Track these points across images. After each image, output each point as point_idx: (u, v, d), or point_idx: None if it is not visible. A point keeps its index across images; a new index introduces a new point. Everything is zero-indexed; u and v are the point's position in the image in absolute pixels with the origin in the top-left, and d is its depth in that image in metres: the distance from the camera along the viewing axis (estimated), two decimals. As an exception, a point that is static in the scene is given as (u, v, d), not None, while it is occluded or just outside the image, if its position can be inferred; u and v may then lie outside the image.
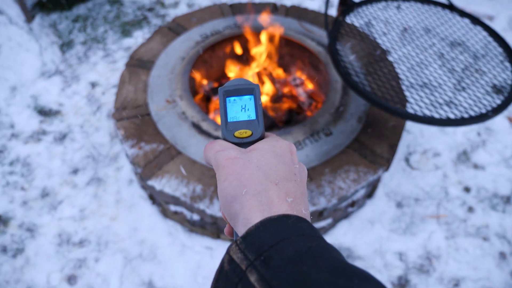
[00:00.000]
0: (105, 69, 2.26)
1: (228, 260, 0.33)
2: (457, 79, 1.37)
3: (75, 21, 2.51)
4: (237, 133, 0.44)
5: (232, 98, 0.46)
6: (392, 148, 1.49)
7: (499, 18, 2.63)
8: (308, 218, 0.37)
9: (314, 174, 1.40)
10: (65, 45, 2.37)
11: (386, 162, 1.45)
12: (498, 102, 1.25)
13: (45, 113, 2.03)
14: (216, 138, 1.47)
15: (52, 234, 1.63)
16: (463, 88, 1.33)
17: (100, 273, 1.53)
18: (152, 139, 1.48)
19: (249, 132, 0.44)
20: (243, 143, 0.44)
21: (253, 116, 0.45)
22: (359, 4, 1.55)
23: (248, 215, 0.35)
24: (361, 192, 1.47)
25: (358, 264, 1.58)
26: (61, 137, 1.94)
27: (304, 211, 0.37)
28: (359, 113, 1.58)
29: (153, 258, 1.57)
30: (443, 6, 1.56)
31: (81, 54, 2.34)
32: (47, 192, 1.75)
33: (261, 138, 0.45)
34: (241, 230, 0.35)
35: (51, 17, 2.51)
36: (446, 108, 1.25)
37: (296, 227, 0.33)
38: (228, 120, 0.45)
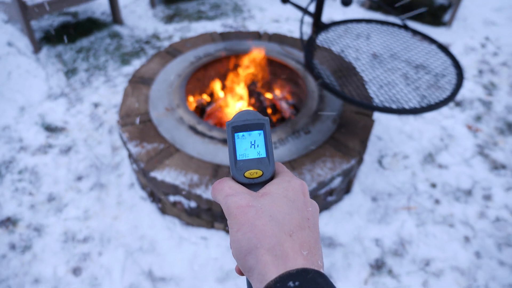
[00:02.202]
0: (106, 92, 2.49)
1: None
2: (411, 80, 1.64)
3: (79, 52, 2.78)
4: (247, 174, 0.42)
5: (240, 134, 0.44)
6: (363, 143, 1.72)
7: (456, 45, 3.00)
8: (323, 269, 0.37)
9: (296, 164, 1.62)
10: (70, 72, 2.61)
11: (358, 154, 1.67)
12: (445, 96, 1.51)
13: (51, 129, 2.22)
14: (211, 138, 1.68)
15: (58, 232, 1.76)
16: (417, 89, 1.60)
17: (104, 265, 1.66)
18: (153, 139, 1.69)
19: (259, 172, 0.42)
20: (254, 184, 0.43)
21: (263, 154, 0.43)
22: (329, 26, 1.85)
23: (263, 271, 0.35)
24: (338, 180, 1.67)
25: (339, 250, 1.75)
26: (66, 150, 2.12)
27: (319, 262, 0.37)
28: (334, 116, 1.82)
29: (153, 251, 1.71)
30: (399, 26, 1.88)
31: (84, 79, 2.57)
32: (54, 197, 1.90)
33: (272, 177, 0.44)
34: (256, 285, 0.35)
35: (57, 48, 2.77)
36: (402, 101, 1.51)
37: (315, 283, 0.33)
38: (237, 158, 0.43)
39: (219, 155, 1.62)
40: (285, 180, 0.42)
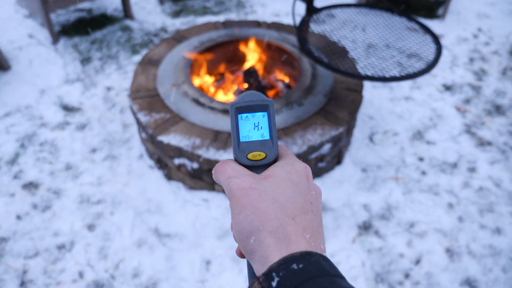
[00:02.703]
0: (118, 77, 2.69)
1: None
2: (400, 57, 1.80)
3: (93, 43, 3.00)
4: (250, 156, 0.42)
5: (244, 115, 0.43)
6: (352, 114, 1.88)
7: (448, 36, 3.15)
8: (325, 253, 0.37)
9: (289, 131, 1.78)
10: (85, 60, 2.82)
11: (346, 123, 1.83)
12: (423, 67, 1.67)
13: (68, 109, 2.42)
14: (212, 108, 1.86)
15: (75, 195, 1.94)
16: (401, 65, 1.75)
17: (115, 223, 1.83)
18: (161, 110, 1.87)
19: (262, 155, 0.42)
20: (257, 166, 0.42)
21: (266, 136, 0.43)
22: (321, 9, 2.02)
23: (266, 254, 0.34)
24: (327, 146, 1.83)
25: (329, 214, 1.90)
26: (82, 127, 2.31)
27: (322, 246, 0.37)
28: (325, 91, 1.99)
29: (159, 212, 1.88)
30: (386, 10, 2.04)
31: (98, 67, 2.78)
32: (70, 166, 2.09)
33: (275, 160, 0.43)
34: (258, 268, 0.35)
35: (73, 40, 3.00)
36: (384, 72, 1.66)
37: (320, 266, 0.33)
38: (241, 140, 0.43)
39: (219, 122, 1.80)
40: (288, 163, 0.41)
